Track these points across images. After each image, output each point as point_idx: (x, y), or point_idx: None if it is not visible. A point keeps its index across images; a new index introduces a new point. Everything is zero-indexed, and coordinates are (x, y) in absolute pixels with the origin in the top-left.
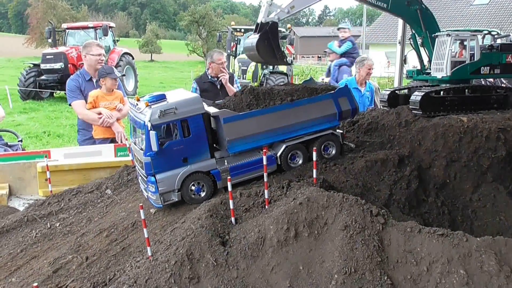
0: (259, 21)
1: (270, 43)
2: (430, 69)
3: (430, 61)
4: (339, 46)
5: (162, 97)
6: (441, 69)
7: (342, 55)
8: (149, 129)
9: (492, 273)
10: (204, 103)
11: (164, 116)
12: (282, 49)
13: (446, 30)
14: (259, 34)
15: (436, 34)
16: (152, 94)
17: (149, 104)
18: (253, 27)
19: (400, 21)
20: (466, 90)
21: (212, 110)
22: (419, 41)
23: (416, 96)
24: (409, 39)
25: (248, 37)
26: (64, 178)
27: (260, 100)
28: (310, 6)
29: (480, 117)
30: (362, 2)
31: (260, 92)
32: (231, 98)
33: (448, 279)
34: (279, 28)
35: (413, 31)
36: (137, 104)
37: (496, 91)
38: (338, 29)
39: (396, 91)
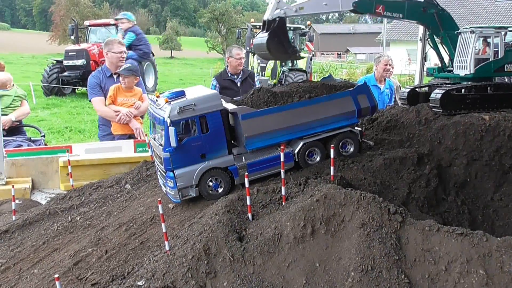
0: (265, 18)
1: (281, 39)
2: (452, 67)
3: (451, 59)
4: (123, 39)
5: (181, 94)
6: (464, 67)
7: (129, 48)
8: (168, 125)
9: None
10: (222, 100)
11: (183, 112)
12: (294, 44)
13: (470, 27)
14: (268, 32)
15: (459, 31)
16: (172, 91)
17: (169, 100)
18: None
19: None
20: (488, 88)
21: (230, 106)
22: (438, 40)
23: (437, 94)
24: (427, 39)
25: (256, 35)
26: (85, 173)
27: (278, 97)
28: (320, 13)
29: (503, 115)
30: (378, 16)
31: (277, 88)
32: (249, 95)
33: (467, 279)
34: (299, 25)
35: (430, 31)
36: (156, 100)
37: None
38: (116, 19)
39: (416, 89)
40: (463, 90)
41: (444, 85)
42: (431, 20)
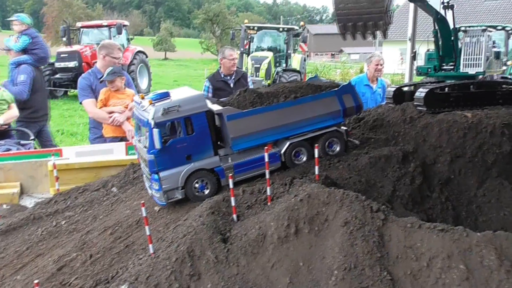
0: None
1: None
2: (448, 65)
3: (456, 57)
4: (16, 42)
5: (166, 95)
6: (477, 65)
7: (23, 52)
8: (152, 126)
9: (493, 268)
10: (208, 101)
11: (168, 114)
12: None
13: (479, 25)
14: None
15: (466, 29)
16: (156, 92)
17: (153, 102)
18: (266, 25)
19: (411, 18)
20: (471, 86)
21: (216, 107)
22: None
23: (421, 92)
24: (434, 36)
25: None
26: (75, 177)
27: (264, 97)
28: None
29: (485, 112)
30: (423, 8)
31: (263, 89)
32: (235, 96)
33: (449, 274)
34: (293, 26)
35: (437, 28)
36: (141, 102)
37: (501, 86)
38: (10, 22)
39: (402, 88)
40: (446, 88)
41: (429, 83)
42: (449, 15)
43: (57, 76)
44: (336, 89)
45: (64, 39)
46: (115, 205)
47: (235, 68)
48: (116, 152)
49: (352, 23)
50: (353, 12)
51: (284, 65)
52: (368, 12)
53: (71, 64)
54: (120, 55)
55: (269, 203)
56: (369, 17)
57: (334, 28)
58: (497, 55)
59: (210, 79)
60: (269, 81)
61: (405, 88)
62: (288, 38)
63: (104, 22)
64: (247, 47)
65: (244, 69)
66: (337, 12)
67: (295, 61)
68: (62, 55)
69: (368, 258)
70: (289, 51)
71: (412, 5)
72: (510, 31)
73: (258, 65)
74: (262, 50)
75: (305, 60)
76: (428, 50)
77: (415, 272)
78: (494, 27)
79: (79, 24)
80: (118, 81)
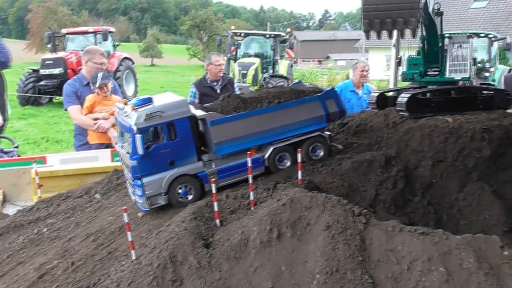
0: None
1: None
2: (433, 71)
3: (442, 63)
4: None
5: (148, 101)
6: (463, 70)
7: None
8: (134, 132)
9: (472, 270)
10: (191, 106)
11: (150, 119)
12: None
13: (463, 33)
14: None
15: (451, 35)
16: (139, 98)
17: (135, 107)
18: (253, 31)
19: None
20: (452, 92)
21: (199, 113)
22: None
23: (403, 97)
24: (421, 42)
25: None
26: (60, 184)
27: (248, 103)
28: None
29: (465, 117)
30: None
31: (247, 95)
32: (219, 101)
33: (429, 277)
34: (280, 33)
35: (424, 34)
36: (123, 108)
37: (482, 92)
38: None
39: (385, 93)
40: (428, 94)
41: (411, 89)
42: (437, 22)
43: (42, 83)
44: (319, 94)
45: (49, 45)
46: (98, 212)
47: (221, 74)
48: (102, 159)
49: (379, 19)
50: (381, 8)
51: (271, 71)
52: (399, 7)
53: (56, 71)
54: (104, 61)
55: (252, 208)
56: (399, 13)
57: (321, 35)
58: (474, 61)
59: (196, 85)
60: (256, 87)
61: (389, 93)
62: (275, 44)
63: (90, 29)
64: (234, 53)
65: (231, 75)
66: (364, 7)
67: (282, 67)
68: (47, 62)
69: (350, 262)
70: (276, 57)
71: None
72: (492, 39)
73: (245, 71)
74: (249, 56)
75: (292, 66)
76: (409, 56)
77: (396, 275)
78: (478, 34)
79: (64, 30)
80: (109, 84)
